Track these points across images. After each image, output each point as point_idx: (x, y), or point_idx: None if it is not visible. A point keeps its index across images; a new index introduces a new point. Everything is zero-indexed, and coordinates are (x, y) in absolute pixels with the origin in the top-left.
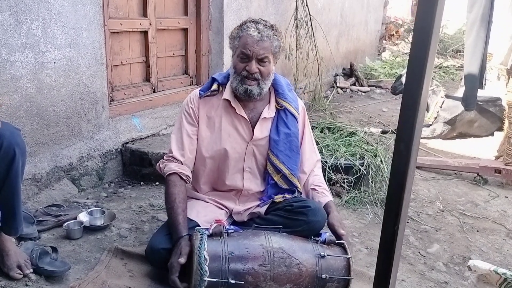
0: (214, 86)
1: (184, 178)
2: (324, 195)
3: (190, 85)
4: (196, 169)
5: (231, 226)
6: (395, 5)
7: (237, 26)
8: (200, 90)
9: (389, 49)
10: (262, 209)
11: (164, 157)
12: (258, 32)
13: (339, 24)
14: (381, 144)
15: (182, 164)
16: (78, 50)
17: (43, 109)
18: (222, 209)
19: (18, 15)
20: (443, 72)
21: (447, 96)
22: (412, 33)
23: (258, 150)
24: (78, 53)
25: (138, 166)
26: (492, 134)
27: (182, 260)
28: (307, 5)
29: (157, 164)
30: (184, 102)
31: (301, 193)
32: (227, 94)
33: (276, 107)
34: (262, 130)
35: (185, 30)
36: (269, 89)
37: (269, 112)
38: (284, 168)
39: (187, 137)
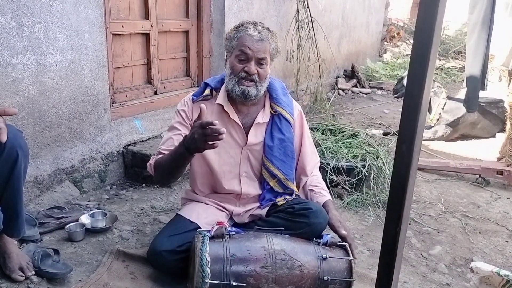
0: (207, 91)
1: None
2: (322, 195)
3: (191, 87)
4: (192, 171)
5: (233, 228)
6: (396, 6)
7: (234, 27)
8: (193, 95)
9: (390, 51)
10: (263, 211)
11: (152, 158)
12: (258, 32)
13: (340, 26)
14: (383, 146)
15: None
16: (80, 53)
17: (45, 112)
18: (222, 211)
19: (20, 18)
20: (445, 74)
21: (449, 98)
22: (413, 34)
23: (253, 155)
24: (80, 56)
25: (139, 168)
26: (494, 136)
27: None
28: (308, 7)
29: (147, 164)
30: (178, 106)
31: (298, 196)
32: (220, 99)
33: (270, 112)
34: (257, 135)
35: (186, 32)
36: (264, 93)
37: (263, 117)
38: (279, 173)
39: (176, 136)
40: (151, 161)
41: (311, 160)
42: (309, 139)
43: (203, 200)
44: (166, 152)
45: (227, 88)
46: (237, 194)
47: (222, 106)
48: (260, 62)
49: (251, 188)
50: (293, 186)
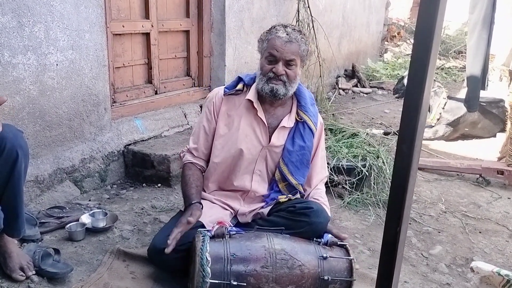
0: (239, 86)
1: (199, 168)
2: None
3: (192, 86)
4: (208, 167)
5: (233, 228)
6: (397, 6)
7: (267, 30)
8: (225, 88)
9: (391, 51)
10: (265, 210)
11: (185, 147)
12: (287, 34)
13: (341, 26)
14: (383, 146)
15: (195, 156)
16: (81, 52)
17: (46, 111)
18: (227, 209)
19: (21, 18)
20: (445, 74)
21: (449, 98)
22: (414, 34)
23: (271, 156)
24: (80, 55)
25: (140, 168)
26: (494, 135)
27: (192, 219)
28: (308, 7)
29: (179, 153)
30: (208, 97)
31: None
32: (251, 95)
33: (296, 118)
34: (279, 138)
35: (187, 32)
36: (292, 99)
37: (288, 122)
38: (291, 178)
39: (203, 133)
40: (181, 154)
41: (319, 173)
42: (322, 152)
43: (209, 198)
44: (193, 146)
45: (257, 87)
46: (244, 191)
47: (252, 102)
48: (288, 63)
49: (261, 187)
50: (300, 189)
